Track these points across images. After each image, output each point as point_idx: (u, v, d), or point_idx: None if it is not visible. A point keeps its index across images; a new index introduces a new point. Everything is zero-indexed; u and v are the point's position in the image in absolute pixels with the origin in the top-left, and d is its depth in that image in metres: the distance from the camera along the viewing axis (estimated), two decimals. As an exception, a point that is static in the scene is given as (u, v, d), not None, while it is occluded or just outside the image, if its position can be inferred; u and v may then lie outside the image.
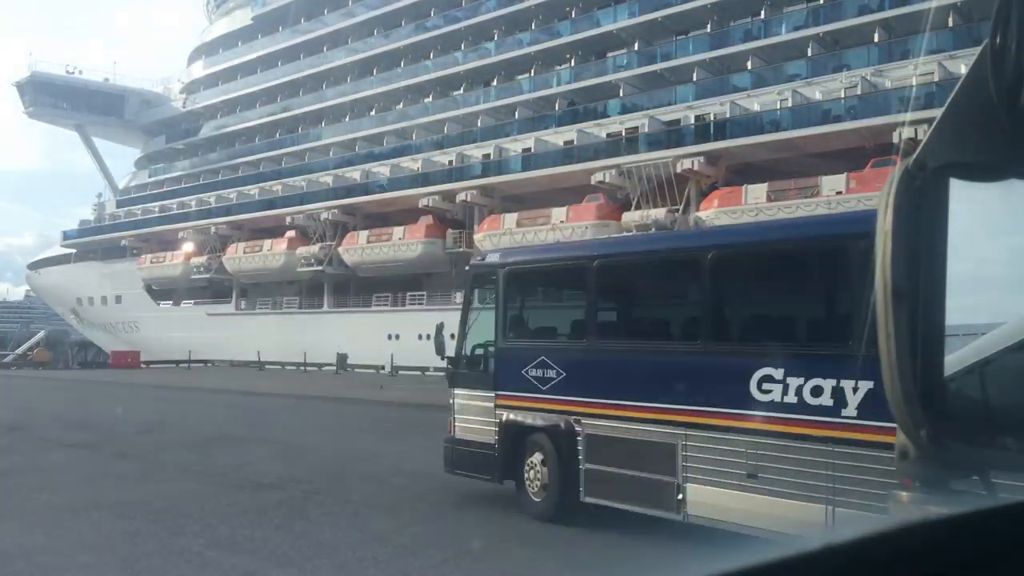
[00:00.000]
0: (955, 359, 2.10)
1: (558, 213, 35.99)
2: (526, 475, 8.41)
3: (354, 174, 47.09)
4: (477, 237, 39.16)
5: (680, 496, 6.90)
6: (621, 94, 37.50)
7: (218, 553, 7.01)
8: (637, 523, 7.25)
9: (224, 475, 11.19)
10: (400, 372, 39.10)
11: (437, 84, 45.07)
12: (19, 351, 62.30)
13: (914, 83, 28.29)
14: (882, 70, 29.84)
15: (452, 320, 9.92)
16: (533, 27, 41.43)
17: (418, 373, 38.60)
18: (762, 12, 34.38)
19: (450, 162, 42.53)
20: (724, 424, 6.64)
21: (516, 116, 41.04)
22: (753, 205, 30.45)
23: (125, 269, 57.53)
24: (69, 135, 65.25)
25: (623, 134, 36.02)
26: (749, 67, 33.91)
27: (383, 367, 39.73)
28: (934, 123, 1.56)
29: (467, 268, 10.29)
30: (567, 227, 35.37)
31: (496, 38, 42.75)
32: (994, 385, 2.34)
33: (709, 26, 35.65)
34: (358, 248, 44.11)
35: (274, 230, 49.16)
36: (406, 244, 41.88)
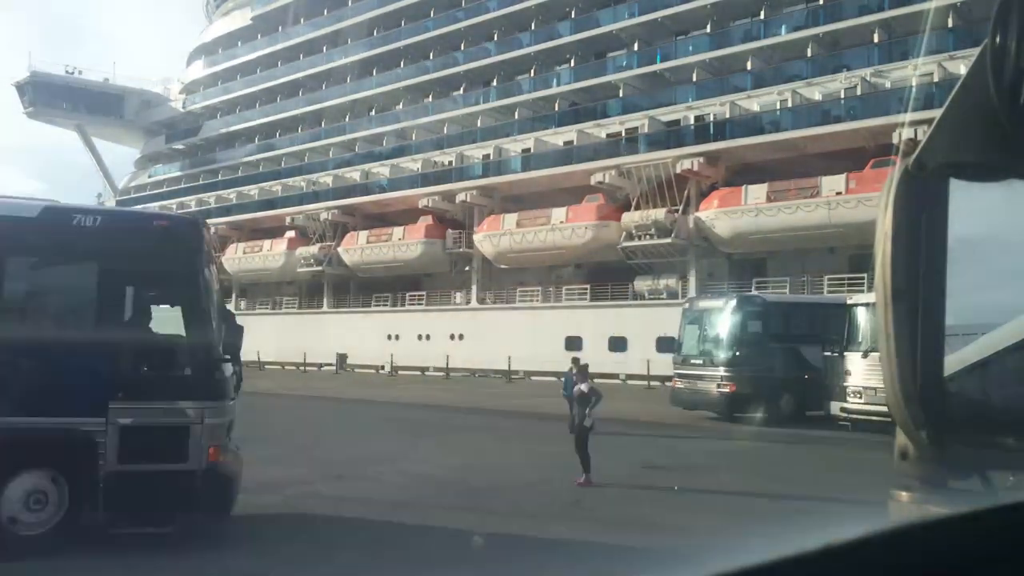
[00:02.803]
0: (955, 359, 2.10)
1: (558, 213, 35.96)
2: None
3: (354, 174, 47.08)
4: (477, 238, 39.16)
5: None
6: (621, 94, 37.48)
7: (219, 553, 7.02)
8: (637, 523, 7.25)
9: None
10: (399, 372, 39.19)
11: (437, 84, 45.04)
12: (19, 351, 62.23)
13: (914, 83, 28.27)
14: (882, 70, 29.83)
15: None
16: (533, 27, 41.38)
17: (418, 373, 38.71)
18: (762, 12, 34.34)
19: (450, 162, 42.51)
20: None
21: (516, 116, 41.00)
22: (753, 205, 30.47)
23: (125, 269, 57.45)
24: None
25: (623, 134, 35.98)
26: (749, 67, 33.88)
27: (383, 367, 39.80)
28: (934, 123, 1.56)
29: None
30: (567, 227, 35.39)
31: (496, 38, 42.71)
32: (994, 385, 2.34)
33: (709, 26, 35.61)
34: (358, 248, 44.10)
35: (274, 230, 49.18)
36: (406, 244, 41.86)
